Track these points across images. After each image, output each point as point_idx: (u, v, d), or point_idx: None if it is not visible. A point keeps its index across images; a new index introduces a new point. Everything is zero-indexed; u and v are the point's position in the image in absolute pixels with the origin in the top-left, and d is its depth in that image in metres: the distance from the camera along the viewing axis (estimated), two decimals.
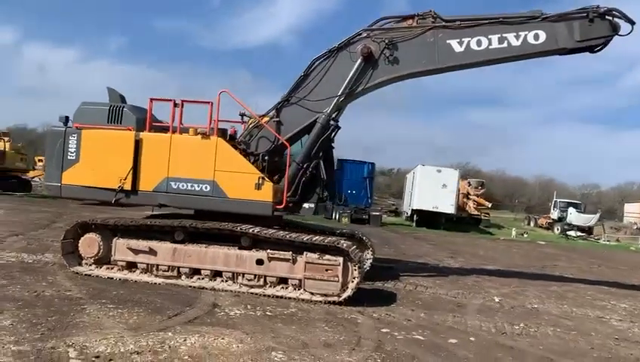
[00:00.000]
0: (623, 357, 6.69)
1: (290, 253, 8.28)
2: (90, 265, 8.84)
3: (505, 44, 8.87)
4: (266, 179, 8.56)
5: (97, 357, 4.79)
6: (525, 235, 33.71)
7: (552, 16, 8.80)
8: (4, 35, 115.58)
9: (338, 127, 9.90)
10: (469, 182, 38.99)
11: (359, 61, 9.09)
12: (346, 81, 9.12)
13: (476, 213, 37.91)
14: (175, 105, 8.99)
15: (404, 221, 35.94)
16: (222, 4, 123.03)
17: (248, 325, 6.39)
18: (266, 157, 9.27)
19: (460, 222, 35.42)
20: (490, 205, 39.24)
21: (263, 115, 9.49)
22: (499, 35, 8.87)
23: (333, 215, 29.19)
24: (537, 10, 8.88)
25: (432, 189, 29.42)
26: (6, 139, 28.84)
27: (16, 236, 12.41)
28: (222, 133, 9.17)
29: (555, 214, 41.61)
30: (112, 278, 8.51)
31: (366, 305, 8.04)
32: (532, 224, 45.58)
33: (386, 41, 9.08)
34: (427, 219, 30.53)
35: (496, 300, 9.70)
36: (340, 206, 29.66)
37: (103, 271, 8.70)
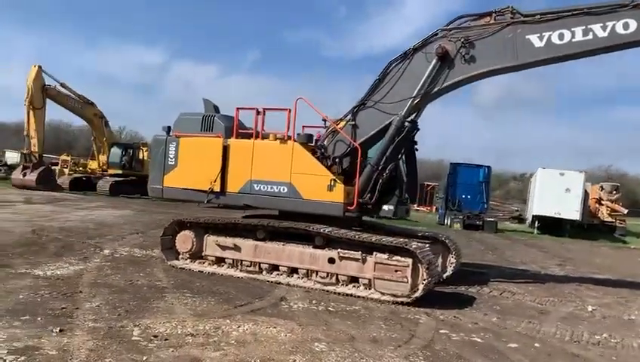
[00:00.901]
0: None
1: (360, 252, 8.50)
2: (186, 259, 9.77)
3: (590, 36, 8.32)
4: (338, 180, 8.86)
5: (156, 336, 5.43)
6: None
7: None
8: (154, 57, 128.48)
9: (417, 129, 9.95)
10: (601, 187, 35.92)
11: (434, 61, 9.06)
12: (421, 82, 9.14)
13: (610, 219, 34.76)
14: (258, 113, 9.63)
15: (526, 228, 34.03)
16: (348, 12, 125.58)
17: (305, 318, 6.74)
18: (343, 160, 9.60)
19: (591, 229, 32.77)
20: (626, 211, 35.73)
21: (340, 119, 9.80)
22: (583, 27, 8.34)
23: (445, 220, 28.56)
24: None
25: (555, 194, 27.55)
26: (145, 148, 32.11)
27: (137, 234, 13.94)
28: (308, 138, 9.66)
29: None
30: (202, 271, 9.33)
31: (437, 307, 8.01)
32: None
33: (462, 40, 8.96)
34: (550, 225, 28.69)
35: (590, 309, 9.06)
36: (453, 211, 29.00)
37: (195, 265, 9.57)
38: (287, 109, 9.38)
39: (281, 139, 9.27)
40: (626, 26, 8.16)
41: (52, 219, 15.60)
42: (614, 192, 35.80)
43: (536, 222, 29.73)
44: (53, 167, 32.88)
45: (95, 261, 9.77)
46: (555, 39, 8.50)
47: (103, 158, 32.07)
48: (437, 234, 10.77)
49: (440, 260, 10.39)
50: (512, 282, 11.08)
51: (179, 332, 5.62)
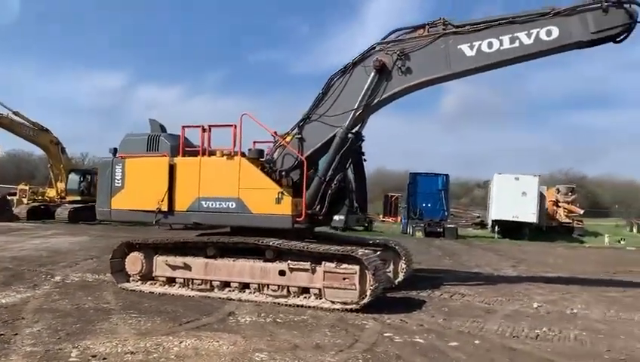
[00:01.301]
0: (638, 358, 6.31)
1: (309, 263, 8.61)
2: (136, 281, 9.71)
3: (517, 44, 8.73)
4: (286, 193, 8.98)
5: (94, 356, 5.43)
6: (622, 242, 31.31)
7: (564, 10, 8.56)
8: (117, 81, 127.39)
9: (362, 139, 10.20)
10: (557, 189, 36.97)
11: (372, 74, 9.33)
12: (361, 95, 9.38)
13: (568, 221, 35.77)
14: (203, 130, 9.71)
15: (488, 233, 34.70)
16: (310, 31, 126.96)
17: (251, 330, 6.80)
18: (291, 174, 9.74)
19: (550, 231, 33.64)
20: (582, 212, 36.85)
21: (287, 133, 9.96)
22: (510, 35, 8.75)
23: (408, 229, 28.95)
24: (548, 6, 8.67)
25: (511, 198, 28.24)
26: None
27: (91, 259, 13.74)
28: (258, 153, 9.81)
29: None
30: (153, 292, 9.28)
31: (386, 312, 8.18)
32: (635, 230, 42.09)
33: (398, 53, 9.26)
34: (510, 229, 29.36)
35: (535, 306, 9.36)
36: (415, 220, 29.44)
37: (145, 287, 9.51)
38: (232, 125, 9.50)
39: (227, 155, 9.36)
40: (548, 33, 8.59)
41: (4, 249, 15.27)
42: (570, 194, 36.88)
43: (496, 227, 30.40)
44: (10, 198, 32.11)
45: (44, 288, 9.63)
46: (484, 48, 8.88)
47: (61, 185, 31.46)
48: (387, 241, 10.99)
49: (391, 266, 10.60)
50: (464, 285, 11.35)
51: (118, 351, 5.61)
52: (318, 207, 9.38)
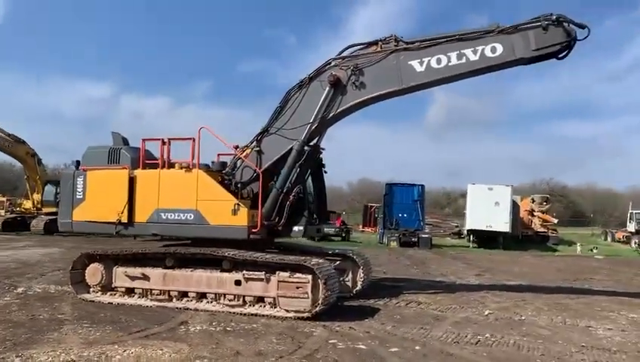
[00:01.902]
0: (555, 357, 6.62)
1: (264, 272, 8.83)
2: (97, 292, 9.83)
3: (463, 60, 9.08)
4: (242, 205, 9.20)
5: (19, 357, 5.57)
6: (595, 250, 31.90)
7: (508, 28, 8.94)
8: (103, 91, 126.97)
9: (320, 152, 10.48)
10: (532, 199, 37.61)
11: (327, 89, 9.62)
12: (317, 108, 9.66)
13: (542, 230, 36.38)
14: (163, 143, 9.91)
15: (465, 242, 35.12)
16: (298, 42, 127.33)
17: (199, 339, 6.99)
18: (252, 186, 9.96)
19: (527, 240, 34.21)
20: (556, 221, 37.51)
21: (246, 146, 10.19)
22: (457, 52, 9.10)
23: (383, 239, 29.27)
24: (494, 24, 9.05)
25: (485, 208, 28.76)
26: None
27: (58, 271, 13.77)
28: (222, 165, 10.06)
29: (631, 227, 39.00)
30: (112, 303, 9.41)
31: (338, 320, 8.41)
32: (609, 239, 42.84)
33: (352, 68, 9.56)
34: (485, 239, 29.83)
35: (486, 313, 9.65)
36: (390, 230, 29.77)
37: (105, 297, 9.64)
38: (191, 139, 9.71)
39: (185, 167, 9.57)
40: (493, 50, 8.96)
41: None
42: (545, 203, 37.56)
43: (471, 236, 30.89)
44: None
45: (5, 299, 9.73)
46: (433, 64, 9.22)
47: (37, 197, 31.35)
48: (346, 251, 11.24)
49: (350, 276, 10.84)
50: (423, 293, 11.62)
51: (60, 359, 5.78)
52: (277, 218, 9.61)
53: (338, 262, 10.92)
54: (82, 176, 10.12)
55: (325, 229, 33.82)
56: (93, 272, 9.83)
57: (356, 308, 9.76)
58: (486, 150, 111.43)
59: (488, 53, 8.98)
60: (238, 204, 9.19)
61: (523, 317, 9.37)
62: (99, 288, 9.84)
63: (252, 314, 8.68)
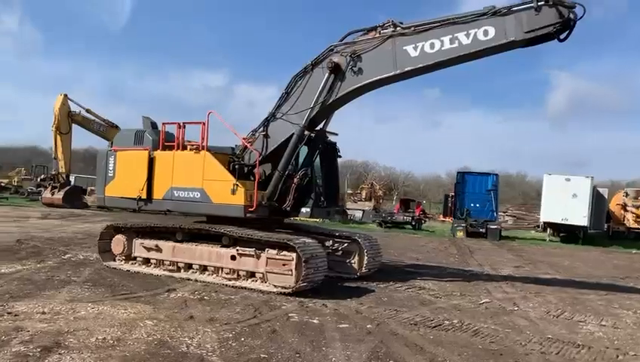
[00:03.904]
0: (512, 349, 6.51)
1: (254, 249, 9.37)
2: (121, 260, 10.93)
3: (456, 44, 8.95)
4: (240, 185, 9.76)
5: (10, 313, 6.56)
6: None
7: (502, 9, 8.66)
8: (217, 80, 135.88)
9: (326, 137, 10.80)
10: (625, 193, 34.82)
11: (327, 75, 9.88)
12: (316, 94, 9.97)
13: (636, 226, 33.63)
14: (179, 126, 10.73)
15: (547, 236, 33.41)
16: None
17: (168, 304, 7.72)
18: (263, 168, 10.51)
19: (617, 237, 31.92)
20: None
21: (255, 130, 10.74)
22: (450, 36, 8.98)
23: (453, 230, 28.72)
24: (489, 7, 8.81)
25: (561, 200, 27.20)
26: None
27: None
28: (231, 149, 10.74)
29: None
30: (129, 271, 10.45)
31: (321, 297, 8.76)
32: None
33: (351, 54, 9.75)
34: (567, 232, 28.27)
35: (481, 302, 9.51)
36: (461, 220, 29.09)
37: (126, 266, 10.70)
38: (202, 123, 10.44)
39: (195, 149, 10.33)
40: (486, 33, 8.74)
41: (48, 231, 17.27)
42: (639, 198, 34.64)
43: (549, 230, 29.42)
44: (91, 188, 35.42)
45: (47, 263, 11.07)
46: (427, 48, 9.17)
47: None
48: (353, 234, 11.46)
49: (356, 258, 11.09)
50: (435, 280, 11.57)
51: (34, 311, 6.71)
52: (285, 199, 10.09)
53: (345, 245, 11.22)
54: (113, 155, 11.23)
55: (394, 217, 34.04)
56: (117, 243, 10.94)
57: (352, 288, 10.03)
58: (613, 140, 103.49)
59: (481, 36, 8.78)
60: (236, 184, 9.77)
61: (516, 308, 9.13)
62: (123, 257, 10.93)
63: (244, 288, 9.28)
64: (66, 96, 29.73)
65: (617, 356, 6.62)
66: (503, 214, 41.88)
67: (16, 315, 6.48)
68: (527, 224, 40.45)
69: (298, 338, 6.37)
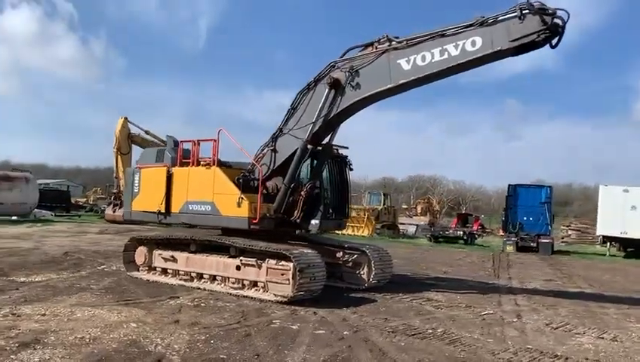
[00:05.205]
0: (481, 357, 6.50)
1: (255, 259, 9.78)
2: (144, 270, 11.66)
3: (446, 56, 9.03)
4: (245, 198, 10.22)
5: (14, 314, 7.28)
6: None
7: (489, 19, 8.68)
8: (285, 99, 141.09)
9: (332, 150, 11.11)
10: None
11: (327, 90, 10.22)
12: (318, 109, 10.32)
13: None
14: (194, 144, 11.39)
15: (606, 250, 31.70)
16: None
17: (163, 309, 8.24)
18: (274, 182, 10.94)
19: None
20: None
21: (265, 144, 11.19)
22: (440, 48, 9.09)
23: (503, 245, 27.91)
24: (478, 17, 8.85)
25: (619, 212, 25.90)
26: None
27: None
28: (240, 164, 11.28)
29: None
30: (148, 280, 11.13)
31: (317, 306, 9.01)
32: None
33: (349, 69, 10.05)
34: (631, 247, 26.82)
35: (484, 313, 9.42)
36: (513, 233, 28.27)
37: (146, 275, 11.41)
38: (213, 140, 11.03)
39: (206, 164, 10.93)
40: (473, 43, 8.79)
41: (97, 244, 18.52)
42: None
43: (608, 244, 28.01)
44: None
45: (80, 273, 11.97)
46: (419, 61, 9.32)
47: None
48: (363, 246, 11.62)
49: (365, 269, 11.24)
50: (448, 292, 11.52)
51: (36, 312, 7.42)
52: (292, 211, 10.47)
53: (355, 256, 11.41)
54: (138, 172, 12.05)
55: (447, 232, 33.49)
56: (140, 254, 11.68)
57: (355, 298, 10.18)
58: None
59: (468, 47, 8.83)
60: (241, 197, 10.24)
61: (515, 320, 8.97)
62: (146, 267, 11.66)
63: (246, 297, 9.68)
64: (126, 119, 31.55)
65: None
66: (565, 228, 40.22)
67: (18, 316, 7.20)
68: (591, 238, 38.53)
69: (266, 342, 6.67)
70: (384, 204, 36.49)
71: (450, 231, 34.19)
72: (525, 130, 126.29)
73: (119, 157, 31.56)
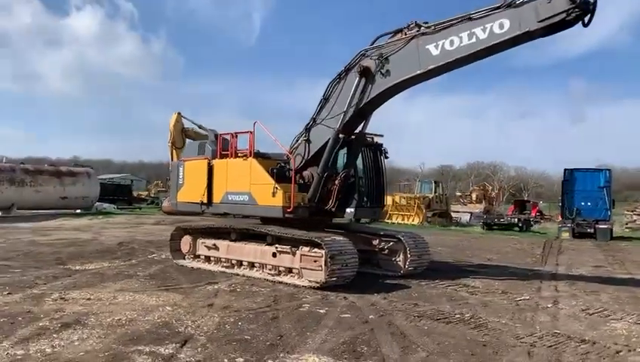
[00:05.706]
0: (503, 341, 6.50)
1: (290, 246, 10.07)
2: (189, 258, 12.20)
3: (474, 39, 8.93)
4: (279, 188, 10.50)
5: (63, 298, 7.91)
6: None
7: (516, 1, 8.51)
8: None
9: (366, 139, 11.23)
10: None
11: (357, 79, 10.33)
12: (349, 97, 10.44)
13: None
14: (232, 136, 11.78)
15: None
16: None
17: (200, 293, 8.68)
18: (309, 172, 11.18)
19: None
20: None
21: (300, 134, 11.43)
22: (468, 32, 8.99)
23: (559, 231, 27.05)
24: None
25: None
26: None
27: None
28: (277, 155, 11.57)
29: None
30: (192, 267, 11.66)
31: (348, 292, 9.20)
32: None
33: (379, 57, 10.11)
34: None
35: (519, 299, 9.31)
36: (570, 219, 27.35)
37: (191, 263, 11.94)
38: (249, 132, 11.37)
39: (243, 156, 11.29)
40: (501, 26, 8.65)
41: (151, 235, 19.41)
42: None
43: None
44: None
45: (130, 261, 12.67)
46: (447, 46, 9.26)
47: None
48: (397, 233, 11.67)
49: (401, 256, 11.31)
50: (488, 278, 11.40)
51: (81, 296, 8.00)
52: (327, 200, 10.70)
53: (391, 244, 11.49)
54: (182, 165, 12.61)
55: (501, 219, 32.74)
56: (185, 243, 12.24)
57: (389, 284, 10.28)
58: None
59: (496, 29, 8.69)
60: (276, 187, 10.54)
61: (550, 306, 8.83)
62: (191, 255, 12.20)
63: (281, 282, 9.99)
64: (179, 113, 32.32)
65: (619, 351, 6.32)
66: (630, 213, 38.41)
67: (66, 300, 7.79)
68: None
69: (292, 325, 6.94)
70: (435, 192, 36.08)
71: (506, 218, 33.41)
72: (592, 111, 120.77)
73: (174, 151, 32.65)
